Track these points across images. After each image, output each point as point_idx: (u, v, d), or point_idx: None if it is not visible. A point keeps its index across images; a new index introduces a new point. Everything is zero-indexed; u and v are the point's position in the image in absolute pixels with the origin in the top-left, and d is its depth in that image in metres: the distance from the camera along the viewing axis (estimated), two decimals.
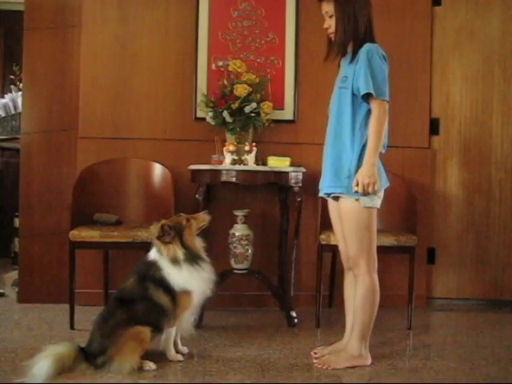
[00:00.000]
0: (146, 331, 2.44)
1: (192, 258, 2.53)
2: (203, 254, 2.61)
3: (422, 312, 3.66)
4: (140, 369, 2.44)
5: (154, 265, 2.53)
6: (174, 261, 2.51)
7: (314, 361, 2.63)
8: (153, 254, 2.57)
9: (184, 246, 2.53)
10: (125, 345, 2.39)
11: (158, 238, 2.53)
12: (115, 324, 2.44)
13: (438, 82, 3.88)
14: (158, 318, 2.48)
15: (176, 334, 2.62)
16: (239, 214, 3.42)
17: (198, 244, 2.62)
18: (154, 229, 2.56)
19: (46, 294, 3.63)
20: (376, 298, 2.55)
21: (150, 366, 2.47)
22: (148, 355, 2.50)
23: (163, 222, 2.56)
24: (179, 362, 2.57)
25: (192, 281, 2.52)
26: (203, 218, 2.67)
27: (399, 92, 3.50)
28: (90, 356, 2.41)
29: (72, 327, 3.09)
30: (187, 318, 2.59)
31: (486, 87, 3.89)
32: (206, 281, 2.56)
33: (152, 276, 2.51)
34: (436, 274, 3.91)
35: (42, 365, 2.26)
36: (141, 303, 2.48)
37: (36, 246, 3.67)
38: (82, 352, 2.42)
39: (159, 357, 2.56)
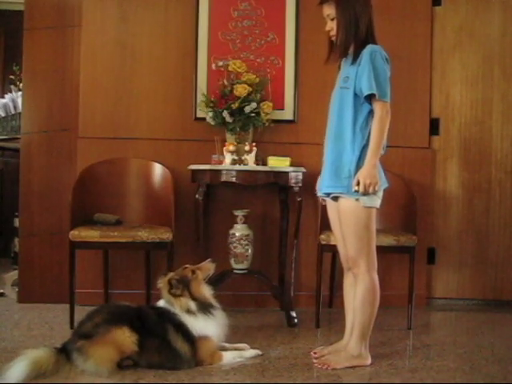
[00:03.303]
0: (131, 344, 2.41)
1: (204, 307, 2.55)
2: (214, 302, 2.61)
3: (422, 312, 3.66)
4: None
5: (168, 311, 2.54)
6: (189, 312, 2.53)
7: (314, 361, 2.63)
8: (163, 304, 2.58)
9: (193, 297, 2.55)
10: (104, 348, 2.38)
11: (169, 292, 2.55)
12: (111, 322, 2.43)
13: (438, 82, 3.88)
14: (170, 360, 2.47)
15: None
16: (239, 213, 3.42)
17: (207, 293, 2.62)
18: (163, 284, 2.58)
19: (46, 294, 3.63)
20: (376, 297, 2.55)
21: (128, 362, 2.45)
22: None
23: (170, 276, 2.59)
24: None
25: (209, 327, 2.53)
26: (208, 267, 2.69)
27: (399, 92, 3.50)
28: (72, 344, 2.40)
29: (72, 327, 3.07)
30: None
31: (485, 87, 3.89)
32: (220, 326, 2.58)
33: (171, 319, 2.51)
34: (436, 274, 3.91)
35: (17, 367, 2.24)
36: (157, 342, 2.46)
37: (36, 245, 3.67)
38: (63, 352, 2.40)
39: None
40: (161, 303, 2.60)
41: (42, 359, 2.32)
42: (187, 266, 2.66)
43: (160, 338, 2.46)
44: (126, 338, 2.40)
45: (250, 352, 2.68)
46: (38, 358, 2.31)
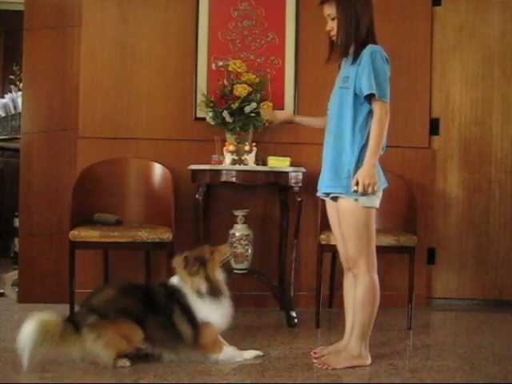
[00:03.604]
0: (140, 338, 2.45)
1: (214, 291, 2.54)
2: (224, 288, 2.60)
3: (422, 312, 3.66)
4: (114, 366, 2.44)
5: (178, 291, 2.54)
6: (198, 293, 2.52)
7: (314, 361, 2.63)
8: (175, 281, 2.58)
9: (207, 278, 2.53)
10: (116, 336, 2.41)
11: (185, 268, 2.54)
12: (126, 308, 2.46)
13: (438, 81, 3.88)
14: (173, 340, 2.49)
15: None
16: (239, 213, 3.42)
17: (220, 277, 2.60)
18: (179, 261, 2.57)
19: (46, 294, 3.63)
20: (376, 297, 2.55)
21: (124, 362, 2.47)
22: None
23: (187, 253, 2.57)
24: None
25: (214, 313, 2.52)
26: (226, 250, 2.67)
27: (399, 92, 3.50)
28: (82, 310, 2.45)
29: None
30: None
31: (486, 87, 3.89)
32: (225, 315, 2.57)
33: (178, 300, 2.52)
34: (436, 274, 3.91)
35: (26, 330, 2.33)
36: (163, 319, 2.48)
37: (36, 245, 3.67)
38: (71, 322, 2.43)
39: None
40: (174, 280, 2.58)
41: (51, 323, 2.36)
42: (206, 245, 2.65)
43: (165, 317, 2.48)
44: (133, 331, 2.43)
45: (250, 353, 2.67)
46: (47, 321, 2.36)
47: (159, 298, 2.54)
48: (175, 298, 2.52)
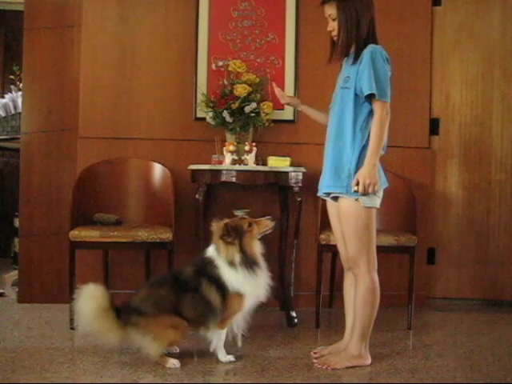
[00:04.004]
0: (184, 325, 2.48)
1: (248, 263, 2.53)
2: (260, 260, 2.59)
3: (422, 312, 3.66)
4: (163, 363, 2.48)
5: (210, 262, 2.55)
6: (231, 263, 2.52)
7: (314, 361, 2.63)
8: (211, 251, 2.58)
9: (242, 250, 2.53)
10: (163, 328, 2.44)
11: (221, 237, 2.53)
12: (162, 302, 2.49)
13: (438, 81, 3.88)
14: (204, 314, 2.51)
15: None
16: (239, 214, 3.41)
17: (257, 250, 2.59)
18: (217, 227, 2.56)
19: (46, 293, 3.63)
20: (376, 297, 2.55)
21: (174, 363, 2.50)
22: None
23: (227, 221, 2.56)
24: (230, 362, 2.58)
25: (246, 284, 2.52)
26: (266, 223, 2.64)
27: (399, 92, 3.49)
28: (125, 311, 2.47)
29: (72, 327, 3.08)
30: (237, 321, 2.61)
31: (486, 87, 3.89)
32: (260, 286, 2.57)
33: (208, 272, 2.53)
34: (436, 274, 3.91)
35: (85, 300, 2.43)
36: (191, 295, 2.51)
37: (36, 245, 3.67)
38: (115, 310, 2.48)
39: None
40: (210, 250, 2.59)
41: (104, 298, 2.46)
42: (246, 216, 2.65)
43: (194, 291, 2.50)
44: (180, 323, 2.47)
45: (228, 357, 2.61)
46: (100, 295, 2.46)
47: (187, 277, 2.55)
48: (204, 270, 2.53)
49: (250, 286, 2.53)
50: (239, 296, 2.52)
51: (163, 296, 2.52)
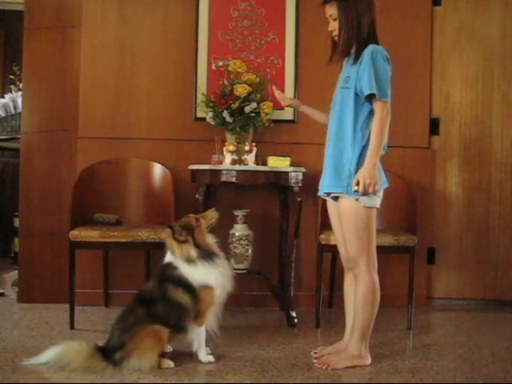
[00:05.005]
0: (163, 330, 2.47)
1: (206, 255, 2.55)
2: (217, 250, 2.62)
3: (422, 312, 3.66)
4: (159, 367, 2.46)
5: (170, 265, 2.56)
6: (189, 260, 2.53)
7: (314, 361, 2.63)
8: (168, 257, 2.60)
9: (196, 245, 2.55)
10: (143, 342, 2.42)
11: (173, 237, 2.55)
12: (134, 321, 2.47)
13: (438, 81, 3.88)
14: (179, 317, 2.51)
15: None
16: (239, 213, 3.42)
17: (210, 241, 2.63)
18: (165, 231, 2.59)
19: (46, 293, 3.63)
20: (376, 297, 2.55)
21: (169, 363, 2.50)
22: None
23: (173, 223, 2.60)
24: (210, 363, 2.57)
25: (210, 276, 2.53)
26: (211, 215, 2.69)
27: (399, 92, 3.48)
28: (109, 353, 2.43)
29: (72, 327, 3.09)
30: (211, 316, 2.60)
31: (486, 87, 3.89)
32: (224, 275, 2.58)
33: (170, 276, 2.54)
34: (436, 274, 3.91)
35: (52, 350, 2.39)
36: (161, 303, 2.51)
37: (36, 246, 3.67)
38: (100, 351, 2.44)
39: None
40: (167, 257, 2.60)
41: (78, 351, 2.40)
42: (190, 215, 2.66)
43: (163, 298, 2.50)
44: (160, 330, 2.45)
45: (207, 357, 2.59)
46: (74, 348, 2.41)
47: (152, 289, 2.56)
48: (166, 275, 2.54)
49: (214, 277, 2.54)
50: (207, 289, 2.53)
51: (136, 317, 2.49)
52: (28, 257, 3.67)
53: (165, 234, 2.59)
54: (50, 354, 2.40)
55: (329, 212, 2.72)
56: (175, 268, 2.54)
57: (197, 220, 2.61)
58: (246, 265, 3.42)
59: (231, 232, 3.41)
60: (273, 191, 3.66)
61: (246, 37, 3.71)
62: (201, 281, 2.52)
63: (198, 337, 2.57)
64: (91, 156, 3.55)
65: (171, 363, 2.50)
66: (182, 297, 2.50)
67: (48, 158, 3.69)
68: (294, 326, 3.27)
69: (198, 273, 2.52)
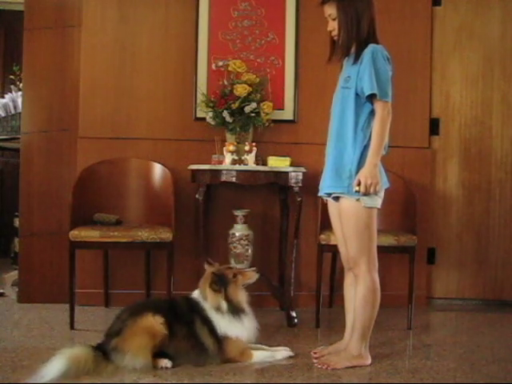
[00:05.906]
0: (158, 326, 2.45)
1: (234, 310, 2.57)
2: (246, 307, 2.62)
3: (422, 312, 3.66)
4: (154, 367, 2.45)
5: (198, 304, 2.58)
6: (217, 309, 2.56)
7: (314, 361, 2.63)
8: (196, 295, 2.63)
9: (228, 298, 2.57)
10: (138, 332, 2.42)
11: (210, 285, 2.57)
12: (140, 309, 2.51)
13: (438, 81, 3.88)
14: (198, 355, 2.51)
15: None
16: (239, 213, 3.42)
17: (242, 298, 2.63)
18: (207, 275, 2.62)
19: (46, 293, 3.63)
20: (377, 297, 2.55)
21: (166, 363, 2.48)
22: None
23: (214, 269, 2.62)
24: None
25: (233, 328, 2.55)
26: (250, 275, 2.69)
27: (399, 92, 3.48)
28: (106, 343, 2.43)
29: (72, 327, 3.09)
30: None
31: (486, 87, 3.89)
32: (247, 329, 2.59)
33: (199, 311, 2.56)
34: (436, 274, 3.91)
35: (55, 364, 2.25)
36: (186, 329, 2.51)
37: (36, 246, 3.67)
38: (99, 350, 2.42)
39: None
40: (195, 294, 2.63)
41: (80, 358, 2.33)
42: (231, 266, 2.71)
43: (187, 326, 2.51)
44: (153, 321, 2.44)
45: (282, 353, 2.68)
46: (76, 355, 2.33)
47: (180, 308, 2.57)
48: (195, 309, 2.56)
49: (237, 331, 2.56)
50: (229, 340, 2.54)
51: (149, 305, 2.53)
52: (28, 257, 3.67)
53: (204, 278, 2.62)
54: (53, 371, 2.25)
55: (329, 212, 2.72)
56: (204, 309, 2.56)
57: (234, 275, 2.62)
58: (246, 265, 3.42)
59: (231, 232, 3.41)
60: (273, 191, 3.66)
61: (246, 37, 3.71)
62: (224, 331, 2.53)
63: (264, 360, 2.61)
64: (91, 156, 3.55)
65: (169, 363, 2.48)
66: (207, 339, 2.51)
67: (48, 158, 3.69)
68: (294, 326, 3.27)
69: (223, 323, 2.54)
